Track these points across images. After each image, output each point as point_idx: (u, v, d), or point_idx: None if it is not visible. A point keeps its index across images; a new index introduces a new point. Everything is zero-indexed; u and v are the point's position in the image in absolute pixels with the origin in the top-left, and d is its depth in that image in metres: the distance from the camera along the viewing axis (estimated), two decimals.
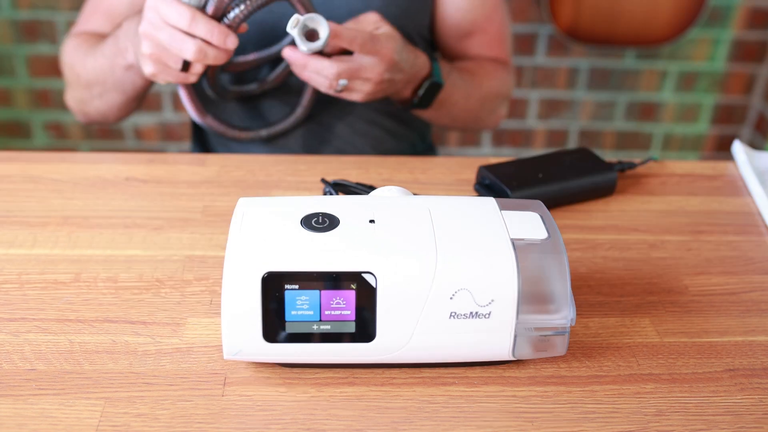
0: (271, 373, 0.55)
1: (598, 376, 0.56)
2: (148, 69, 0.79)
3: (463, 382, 0.55)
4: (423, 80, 0.87)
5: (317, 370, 0.55)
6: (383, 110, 1.02)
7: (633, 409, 0.53)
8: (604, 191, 0.80)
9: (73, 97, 0.98)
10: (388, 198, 0.59)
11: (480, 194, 0.79)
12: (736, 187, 0.84)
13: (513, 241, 0.52)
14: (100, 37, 0.93)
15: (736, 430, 0.52)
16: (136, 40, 0.80)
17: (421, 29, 1.00)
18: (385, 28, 0.82)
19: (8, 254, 0.67)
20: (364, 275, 0.50)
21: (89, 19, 0.98)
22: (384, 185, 0.65)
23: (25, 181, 0.77)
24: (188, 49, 0.74)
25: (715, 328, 0.61)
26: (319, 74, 0.79)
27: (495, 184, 0.76)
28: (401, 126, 1.06)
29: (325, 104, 0.99)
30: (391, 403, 0.53)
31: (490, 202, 0.57)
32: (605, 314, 0.62)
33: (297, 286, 0.50)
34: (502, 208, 0.56)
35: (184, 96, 0.86)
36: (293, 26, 0.75)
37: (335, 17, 0.93)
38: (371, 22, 0.83)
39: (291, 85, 0.94)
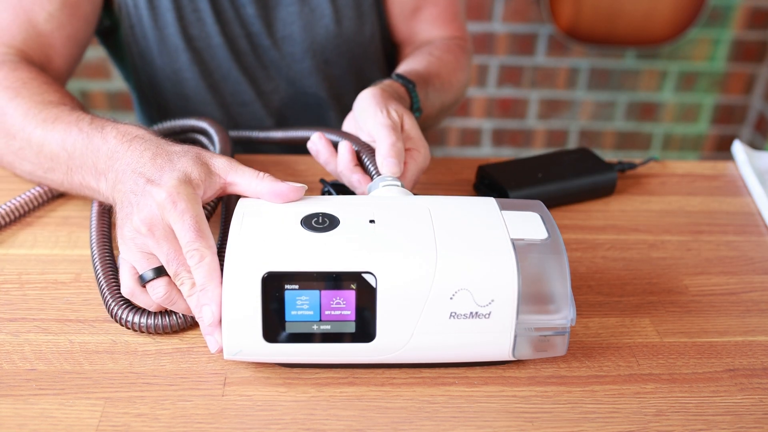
0: (271, 373, 0.55)
1: (598, 376, 0.56)
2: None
3: (463, 382, 0.54)
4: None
5: (317, 370, 0.55)
6: None
7: (633, 409, 0.53)
8: (604, 191, 0.80)
9: None
10: (388, 198, 0.59)
11: (480, 194, 0.79)
12: (736, 187, 0.84)
13: (513, 241, 0.52)
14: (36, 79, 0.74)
15: (736, 430, 0.51)
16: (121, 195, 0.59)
17: (375, 40, 0.98)
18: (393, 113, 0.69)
19: (8, 254, 0.67)
20: (364, 275, 0.50)
21: (7, 28, 0.79)
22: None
23: (24, 181, 0.77)
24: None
25: (715, 328, 0.61)
26: None
27: (495, 184, 0.76)
28: None
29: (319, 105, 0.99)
30: (391, 403, 0.53)
31: (490, 202, 0.57)
32: (605, 314, 0.62)
33: (297, 286, 0.50)
34: (502, 208, 0.56)
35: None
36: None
37: (289, 35, 0.92)
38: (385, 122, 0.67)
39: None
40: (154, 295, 0.55)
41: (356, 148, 0.68)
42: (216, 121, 0.80)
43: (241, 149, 0.99)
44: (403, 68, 0.86)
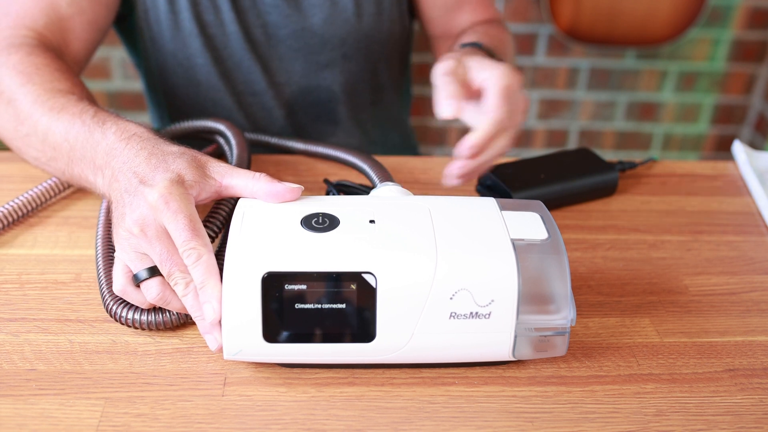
0: (271, 373, 0.55)
1: (598, 376, 0.56)
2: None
3: (463, 382, 0.54)
4: None
5: (317, 370, 0.55)
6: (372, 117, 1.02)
7: (633, 409, 0.53)
8: (606, 191, 0.80)
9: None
10: (388, 198, 0.59)
11: (482, 195, 0.79)
12: (736, 187, 0.84)
13: (513, 242, 0.52)
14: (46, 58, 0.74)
15: (736, 430, 0.51)
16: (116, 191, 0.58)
17: (392, 38, 0.98)
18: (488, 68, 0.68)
19: (8, 254, 0.67)
20: (364, 275, 0.50)
21: (29, 12, 0.79)
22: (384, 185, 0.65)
23: (25, 180, 0.77)
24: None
25: (715, 328, 0.61)
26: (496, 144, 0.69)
27: (497, 184, 0.76)
28: (385, 129, 1.06)
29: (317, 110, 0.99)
30: (391, 403, 0.53)
31: (491, 202, 0.57)
32: (605, 314, 0.62)
33: (297, 287, 0.50)
34: (503, 208, 0.56)
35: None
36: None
37: (308, 26, 0.92)
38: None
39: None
40: (148, 295, 0.56)
41: (359, 161, 0.71)
42: (233, 124, 0.80)
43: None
44: (463, 41, 0.85)
